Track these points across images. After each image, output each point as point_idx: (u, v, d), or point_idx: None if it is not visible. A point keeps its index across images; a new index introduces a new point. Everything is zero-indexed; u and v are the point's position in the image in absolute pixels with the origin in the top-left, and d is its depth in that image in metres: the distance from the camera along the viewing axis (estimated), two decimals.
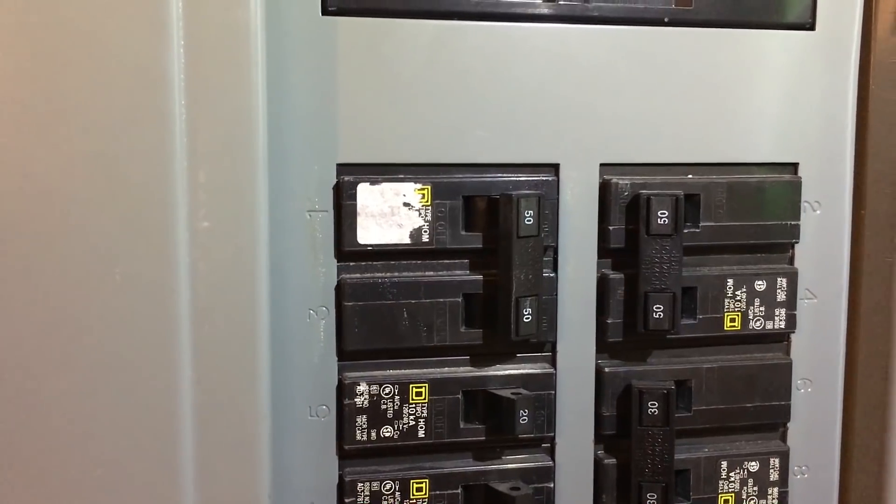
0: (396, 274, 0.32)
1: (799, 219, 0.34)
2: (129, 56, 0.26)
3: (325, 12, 0.30)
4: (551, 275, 0.33)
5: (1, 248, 0.26)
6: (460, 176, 0.32)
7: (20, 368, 0.27)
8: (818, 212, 0.35)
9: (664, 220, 0.32)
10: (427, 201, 0.31)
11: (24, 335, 0.27)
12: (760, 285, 0.34)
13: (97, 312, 0.27)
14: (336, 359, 0.32)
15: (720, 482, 0.35)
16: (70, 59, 0.26)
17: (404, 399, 0.32)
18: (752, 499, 0.35)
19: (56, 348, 0.27)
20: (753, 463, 0.35)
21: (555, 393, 0.33)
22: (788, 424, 0.36)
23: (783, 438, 0.36)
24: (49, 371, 0.27)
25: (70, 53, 0.26)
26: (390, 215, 0.31)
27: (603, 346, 0.34)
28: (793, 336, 0.35)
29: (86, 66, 0.26)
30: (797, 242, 0.35)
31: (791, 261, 0.35)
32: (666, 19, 0.33)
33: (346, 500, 0.32)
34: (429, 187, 0.31)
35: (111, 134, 0.26)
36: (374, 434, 0.32)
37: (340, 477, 0.32)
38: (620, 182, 0.33)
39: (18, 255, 0.26)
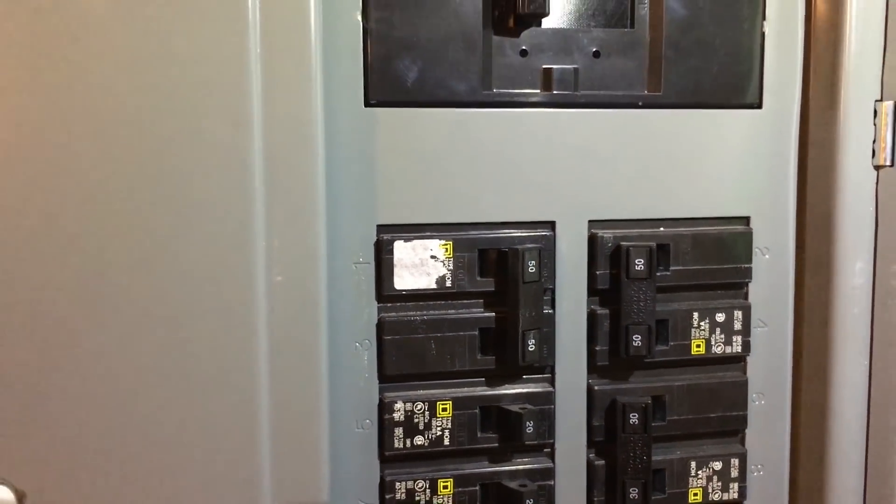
0: (425, 313, 0.39)
1: (751, 262, 0.42)
2: (223, 153, 0.33)
3: (366, 104, 0.37)
4: (550, 311, 0.40)
5: (115, 314, 0.33)
6: (476, 233, 0.39)
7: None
8: (767, 256, 0.42)
9: (640, 266, 0.40)
10: (449, 254, 0.39)
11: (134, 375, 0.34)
12: (720, 317, 0.42)
13: (197, 346, 0.34)
14: (378, 382, 0.39)
15: (690, 479, 0.42)
16: (178, 154, 0.33)
17: (433, 414, 0.39)
18: (717, 492, 0.42)
19: (159, 376, 0.34)
20: (717, 463, 0.42)
21: (554, 407, 0.41)
22: (746, 431, 0.43)
23: (742, 442, 0.43)
24: (152, 405, 0.34)
25: (177, 148, 0.33)
26: (420, 266, 0.39)
27: (593, 369, 0.41)
28: (748, 358, 0.42)
29: (192, 166, 0.33)
30: (750, 281, 0.42)
31: (745, 296, 0.42)
32: (640, 103, 0.40)
33: (387, 497, 0.39)
34: (451, 243, 0.39)
35: (211, 211, 0.33)
36: (408, 442, 0.39)
37: (381, 478, 0.39)
38: (605, 235, 0.40)
39: (132, 311, 0.34)
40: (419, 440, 0.39)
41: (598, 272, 0.40)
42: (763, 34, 0.41)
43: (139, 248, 0.33)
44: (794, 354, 0.43)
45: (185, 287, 0.34)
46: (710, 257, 0.41)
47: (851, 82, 0.39)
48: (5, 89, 0.32)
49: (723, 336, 0.42)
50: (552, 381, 0.41)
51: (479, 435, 0.40)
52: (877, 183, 0.40)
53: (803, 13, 0.41)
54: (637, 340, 0.40)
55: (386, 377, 0.39)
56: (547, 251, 0.39)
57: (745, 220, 0.42)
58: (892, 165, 0.39)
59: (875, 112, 0.39)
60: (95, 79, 0.32)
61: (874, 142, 0.39)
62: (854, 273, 0.40)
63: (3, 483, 0.33)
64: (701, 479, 0.42)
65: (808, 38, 0.41)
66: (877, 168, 0.40)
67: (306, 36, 0.34)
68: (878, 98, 0.39)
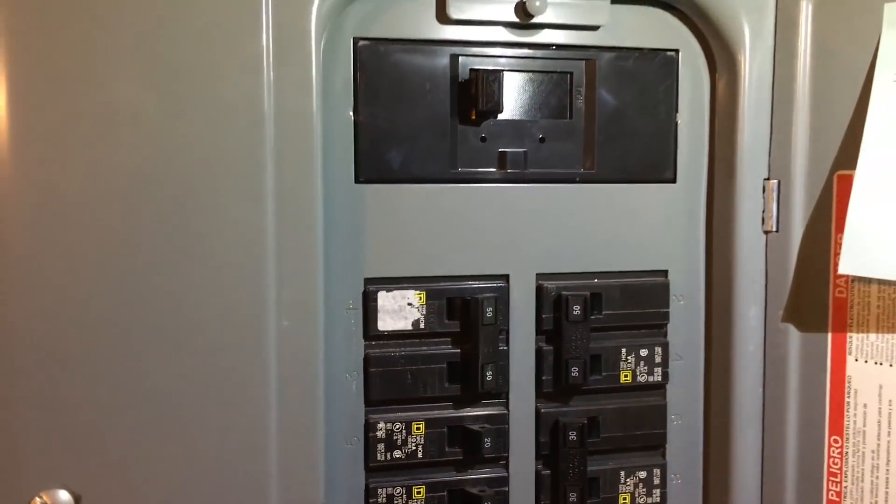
0: (403, 349, 0.48)
1: (669, 307, 0.51)
2: (243, 222, 0.42)
3: (356, 182, 0.46)
4: (505, 348, 0.49)
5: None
6: (444, 284, 0.48)
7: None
8: (682, 302, 0.52)
9: (577, 311, 0.49)
10: (423, 301, 0.48)
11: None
12: (644, 352, 0.51)
13: (220, 377, 0.43)
14: (364, 406, 0.47)
15: (619, 486, 0.51)
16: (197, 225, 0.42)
17: (409, 432, 0.48)
18: (642, 497, 0.51)
19: (191, 399, 0.42)
20: (642, 472, 0.51)
21: (508, 426, 0.49)
22: (666, 446, 0.52)
23: (663, 455, 0.52)
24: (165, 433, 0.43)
25: (205, 219, 0.42)
26: (399, 311, 0.47)
27: (540, 395, 0.50)
28: (667, 386, 0.51)
29: (217, 231, 0.42)
30: (668, 323, 0.51)
31: (665, 335, 0.51)
32: (577, 179, 0.49)
33: (371, 501, 0.47)
34: (424, 292, 0.48)
35: (233, 271, 0.42)
36: (389, 456, 0.48)
37: (366, 485, 0.48)
38: (549, 286, 0.49)
39: (170, 348, 0.42)
40: (398, 454, 0.48)
41: (543, 316, 0.49)
42: (677, 123, 0.51)
43: (177, 299, 0.42)
44: (704, 382, 0.52)
45: (213, 331, 0.42)
46: (636, 303, 0.50)
47: (745, 164, 0.49)
48: (46, 164, 0.40)
49: (646, 368, 0.51)
50: (507, 405, 0.49)
51: (446, 449, 0.48)
52: (766, 245, 0.49)
53: (709, 107, 0.51)
54: (575, 372, 0.49)
55: (371, 402, 0.47)
56: (502, 299, 0.48)
57: (664, 273, 0.51)
58: (777, 231, 0.49)
59: (764, 188, 0.49)
60: (134, 161, 0.41)
61: (763, 212, 0.49)
62: (750, 317, 0.50)
63: (63, 488, 0.41)
64: (629, 486, 0.51)
65: (712, 127, 0.51)
66: (766, 233, 0.49)
67: (309, 128, 0.43)
68: (767, 177, 0.49)
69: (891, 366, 0.45)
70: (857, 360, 0.46)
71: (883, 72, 0.44)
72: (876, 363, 0.46)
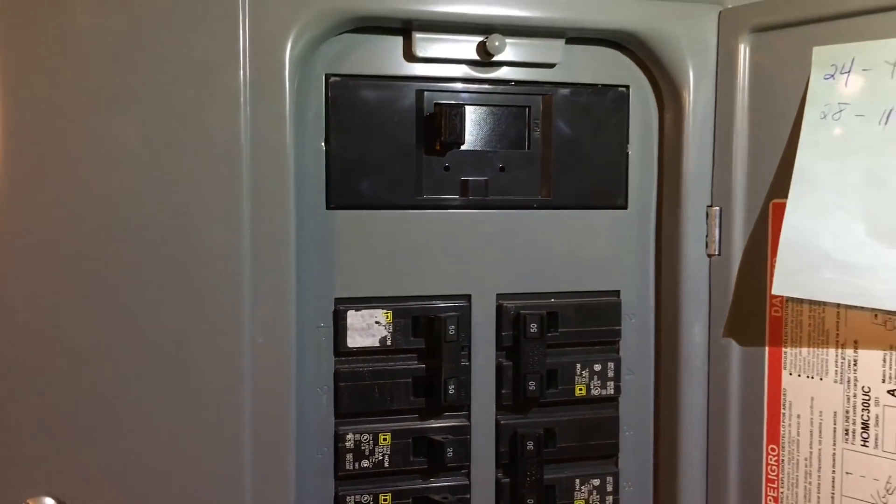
0: (371, 365, 0.51)
1: (621, 325, 0.54)
2: (223, 246, 0.45)
3: (328, 208, 0.50)
4: (467, 363, 0.52)
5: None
6: (410, 304, 0.51)
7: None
8: (633, 320, 0.55)
9: (535, 329, 0.52)
10: (390, 320, 0.51)
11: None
12: (598, 367, 0.54)
13: (199, 390, 0.45)
14: (334, 418, 0.51)
15: (575, 493, 0.54)
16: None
17: (376, 442, 0.51)
18: (597, 503, 0.55)
19: (170, 413, 0.45)
20: (596, 480, 0.55)
21: (470, 437, 0.52)
22: (618, 455, 0.55)
23: (616, 464, 0.55)
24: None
25: (187, 244, 0.45)
26: (367, 329, 0.51)
27: (500, 407, 0.53)
28: (619, 398, 0.55)
29: (197, 257, 0.45)
30: (620, 339, 0.55)
31: (617, 351, 0.55)
32: (535, 205, 0.53)
33: None
34: (391, 311, 0.51)
35: (213, 291, 0.45)
36: (357, 465, 0.51)
37: (336, 493, 0.51)
38: (509, 305, 0.53)
39: (152, 365, 0.45)
40: (365, 463, 0.51)
41: (503, 333, 0.52)
42: (628, 154, 0.55)
43: (158, 318, 0.45)
44: (654, 395, 0.56)
45: (192, 348, 0.45)
46: (590, 321, 0.54)
47: (690, 192, 0.53)
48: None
49: (599, 382, 0.54)
50: (469, 417, 0.53)
51: (411, 459, 0.51)
52: (709, 267, 0.53)
53: (657, 139, 0.55)
54: (532, 386, 0.52)
55: (340, 414, 0.50)
56: (464, 318, 0.52)
57: (616, 293, 0.55)
58: (719, 255, 0.53)
59: (707, 214, 0.53)
60: (118, 190, 0.44)
61: (707, 236, 0.53)
62: (695, 334, 0.53)
63: (48, 495, 0.44)
64: (583, 493, 0.54)
65: (660, 157, 0.55)
66: (709, 256, 0.53)
67: (283, 159, 0.46)
68: (710, 204, 0.53)
69: (821, 379, 0.49)
70: (791, 373, 0.50)
71: (812, 109, 0.48)
72: (808, 377, 0.49)
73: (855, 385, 0.47)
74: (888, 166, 0.45)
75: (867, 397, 0.47)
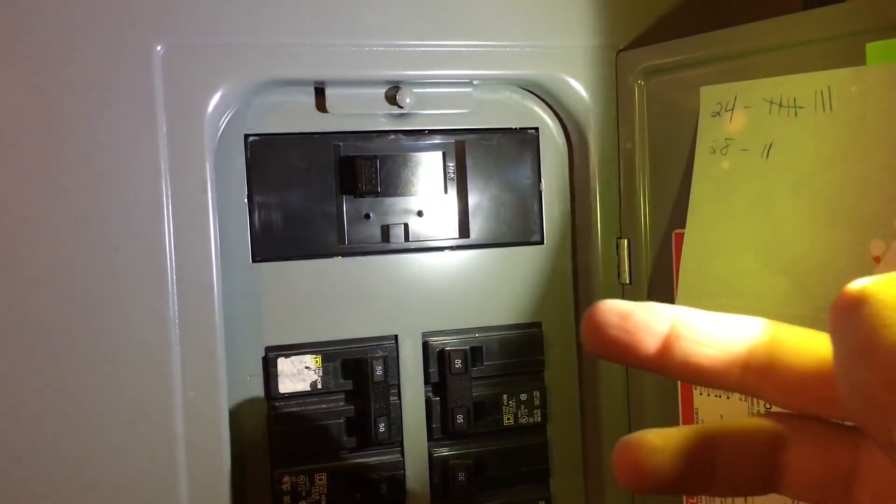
0: (303, 408, 0.53)
1: (544, 355, 0.58)
2: (148, 303, 0.47)
3: (253, 261, 0.52)
4: (397, 400, 0.55)
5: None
6: (338, 347, 0.54)
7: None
8: (556, 349, 0.58)
9: (459, 364, 0.55)
10: (319, 364, 0.53)
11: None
12: (524, 396, 0.57)
13: (130, 445, 0.47)
14: (269, 461, 0.53)
15: None
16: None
17: (312, 483, 0.53)
18: None
19: (104, 461, 0.47)
20: None
21: (404, 471, 0.55)
22: (550, 479, 0.58)
23: (547, 489, 0.58)
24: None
25: (111, 300, 0.47)
26: (298, 374, 0.53)
27: (431, 440, 0.56)
28: (547, 425, 0.58)
29: (123, 313, 0.47)
30: (544, 369, 0.58)
31: (542, 380, 0.58)
32: (454, 246, 0.56)
33: None
34: (320, 356, 0.53)
35: (140, 348, 0.47)
36: None
37: None
38: (434, 342, 0.55)
39: (90, 416, 0.47)
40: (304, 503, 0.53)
41: (430, 370, 0.55)
42: (541, 191, 0.57)
43: (89, 374, 0.47)
44: (580, 420, 0.59)
45: (123, 404, 0.47)
46: (513, 353, 0.57)
47: (601, 225, 0.56)
48: None
49: (527, 410, 0.57)
50: (402, 452, 0.55)
51: (348, 497, 0.54)
52: (622, 294, 0.56)
53: (568, 176, 0.58)
54: (460, 418, 0.55)
55: (276, 458, 0.53)
56: (391, 357, 0.54)
57: (538, 325, 0.58)
58: (630, 283, 0.56)
59: (617, 246, 0.56)
60: (49, 260, 0.46)
61: (618, 266, 0.56)
62: None
63: None
64: None
65: (572, 194, 0.58)
66: (622, 285, 0.56)
67: (205, 219, 0.48)
68: (619, 236, 0.56)
69: (728, 398, 0.52)
70: (701, 393, 0.53)
71: (702, 144, 0.51)
72: (717, 396, 0.52)
73: (756, 402, 0.50)
74: (771, 197, 0.48)
75: (769, 409, 0.50)
